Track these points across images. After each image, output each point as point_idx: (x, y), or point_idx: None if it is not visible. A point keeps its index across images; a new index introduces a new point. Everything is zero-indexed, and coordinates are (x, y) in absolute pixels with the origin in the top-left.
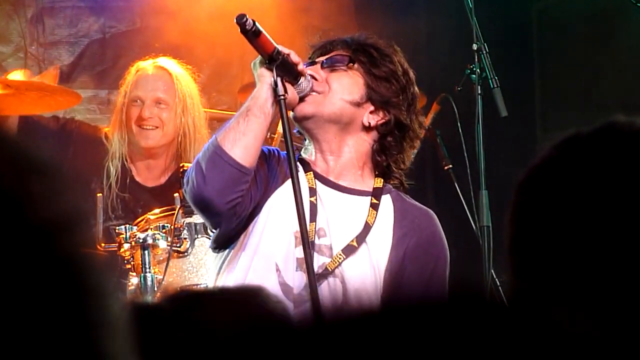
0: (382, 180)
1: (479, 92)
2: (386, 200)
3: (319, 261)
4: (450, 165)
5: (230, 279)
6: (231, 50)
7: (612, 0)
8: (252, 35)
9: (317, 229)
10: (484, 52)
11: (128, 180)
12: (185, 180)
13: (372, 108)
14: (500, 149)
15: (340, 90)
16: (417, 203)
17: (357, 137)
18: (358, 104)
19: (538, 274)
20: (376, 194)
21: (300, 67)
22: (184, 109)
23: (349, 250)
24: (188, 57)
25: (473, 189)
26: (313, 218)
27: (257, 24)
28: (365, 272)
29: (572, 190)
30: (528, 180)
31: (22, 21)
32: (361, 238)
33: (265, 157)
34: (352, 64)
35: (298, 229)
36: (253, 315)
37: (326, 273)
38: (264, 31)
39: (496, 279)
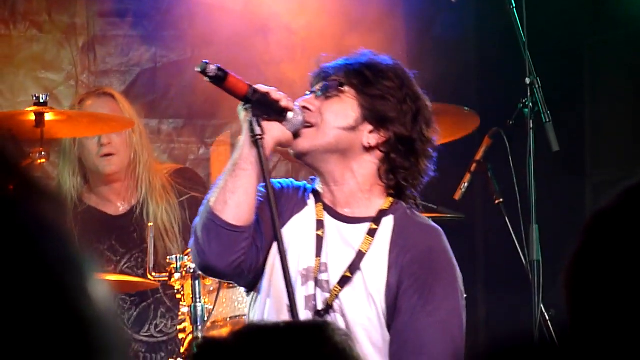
0: (394, 199)
1: (531, 126)
2: (387, 222)
3: (322, 297)
4: (501, 200)
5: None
6: (280, 82)
7: None
8: (218, 80)
9: (320, 264)
10: (537, 86)
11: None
12: (190, 248)
13: (370, 128)
14: (551, 184)
15: (333, 118)
16: (423, 220)
17: (360, 160)
18: (354, 128)
19: (596, 316)
20: (378, 218)
21: (284, 102)
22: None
23: (343, 281)
24: None
25: (524, 223)
26: (318, 253)
27: (222, 68)
28: (362, 302)
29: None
30: (595, 224)
31: (74, 49)
32: (354, 267)
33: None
34: (343, 88)
35: (304, 267)
36: (319, 349)
37: (327, 308)
38: (232, 73)
39: (545, 314)
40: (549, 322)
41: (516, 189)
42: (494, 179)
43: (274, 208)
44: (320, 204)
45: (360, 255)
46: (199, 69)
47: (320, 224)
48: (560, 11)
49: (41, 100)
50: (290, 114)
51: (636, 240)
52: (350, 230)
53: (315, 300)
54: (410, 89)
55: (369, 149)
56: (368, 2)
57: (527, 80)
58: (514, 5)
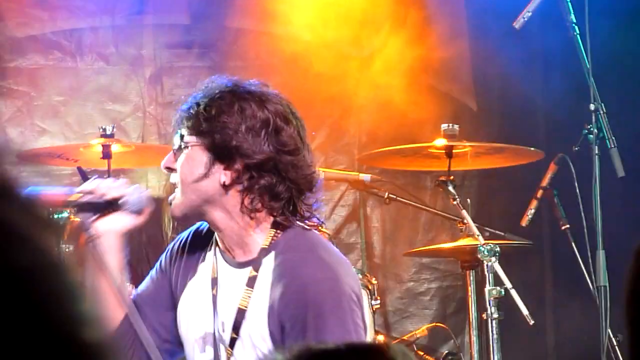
0: (277, 230)
1: (596, 152)
2: (267, 264)
3: (226, 356)
4: (568, 226)
5: None
6: (349, 110)
7: None
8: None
9: (217, 324)
10: (601, 112)
11: None
12: None
13: (223, 166)
14: (617, 209)
15: (186, 174)
16: (302, 246)
17: (227, 200)
18: (207, 175)
19: None
20: (258, 259)
21: (110, 195)
22: None
23: (232, 343)
24: (306, 117)
25: (590, 249)
26: (215, 313)
27: (31, 192)
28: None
29: None
30: None
31: (141, 81)
32: (237, 327)
33: (157, 279)
34: (185, 140)
35: (205, 332)
36: None
37: None
38: (42, 191)
39: (613, 339)
40: (616, 347)
41: (582, 214)
42: (560, 205)
43: (132, 317)
44: (217, 253)
45: (240, 312)
46: None
47: (214, 282)
48: (624, 37)
49: (108, 132)
50: (124, 200)
51: None
52: (237, 276)
53: None
54: (248, 109)
55: (229, 186)
56: (434, 28)
57: (592, 107)
58: (579, 33)
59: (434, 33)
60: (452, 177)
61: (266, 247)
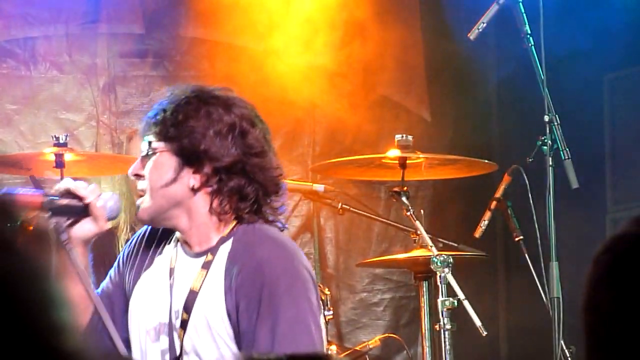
0: (238, 222)
1: (550, 163)
2: (223, 250)
3: (179, 344)
4: (521, 237)
5: None
6: (303, 121)
7: None
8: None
9: (172, 312)
10: (556, 123)
11: None
12: None
13: (192, 170)
14: (571, 221)
15: (155, 179)
16: (260, 232)
17: (195, 203)
18: (175, 179)
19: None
20: (215, 247)
21: (88, 199)
22: None
23: (184, 324)
24: None
25: (543, 260)
26: (171, 302)
27: (6, 193)
28: (207, 340)
29: None
30: (604, 253)
31: (95, 89)
32: (189, 307)
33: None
34: (153, 145)
35: (159, 322)
36: None
37: (181, 354)
38: (19, 193)
39: (565, 350)
40: (569, 358)
41: (536, 226)
42: (514, 216)
43: (102, 311)
44: (178, 245)
45: (192, 294)
46: None
47: (171, 272)
48: (578, 48)
49: (61, 141)
50: (102, 205)
51: None
52: (193, 264)
53: (172, 350)
54: (215, 113)
55: (198, 189)
56: (388, 39)
57: (546, 118)
58: (533, 44)
59: (389, 43)
60: (405, 188)
61: (224, 235)
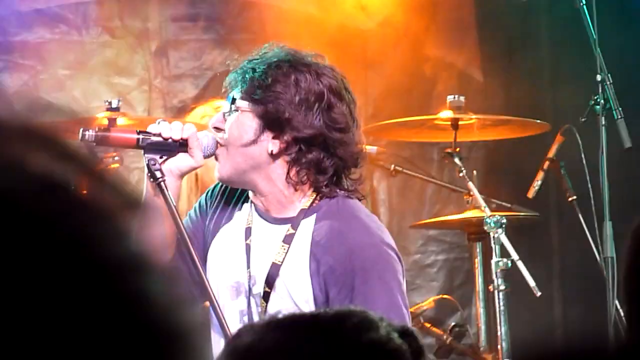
0: (319, 195)
1: (603, 123)
2: (306, 225)
3: (257, 311)
4: (574, 197)
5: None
6: (354, 83)
7: None
8: (102, 141)
9: (250, 276)
10: (608, 83)
11: None
12: None
13: (272, 135)
14: (624, 180)
15: (234, 137)
16: (346, 212)
17: (273, 168)
18: (255, 141)
19: None
20: (296, 220)
21: (178, 135)
22: None
23: (266, 297)
24: None
25: (597, 221)
26: (248, 264)
27: (102, 128)
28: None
29: None
30: None
31: (147, 54)
32: (271, 281)
33: (196, 219)
34: (237, 104)
35: (235, 280)
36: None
37: None
38: (114, 129)
39: (620, 310)
40: (623, 318)
41: (589, 186)
42: (567, 176)
43: (191, 250)
44: (253, 206)
45: (275, 267)
46: (80, 139)
47: (248, 232)
48: (630, 7)
49: (113, 106)
50: (198, 142)
51: None
52: (272, 231)
53: (250, 314)
54: (304, 82)
55: (277, 155)
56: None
57: (598, 77)
58: (584, 3)
59: (440, 3)
60: (458, 149)
61: (306, 208)
